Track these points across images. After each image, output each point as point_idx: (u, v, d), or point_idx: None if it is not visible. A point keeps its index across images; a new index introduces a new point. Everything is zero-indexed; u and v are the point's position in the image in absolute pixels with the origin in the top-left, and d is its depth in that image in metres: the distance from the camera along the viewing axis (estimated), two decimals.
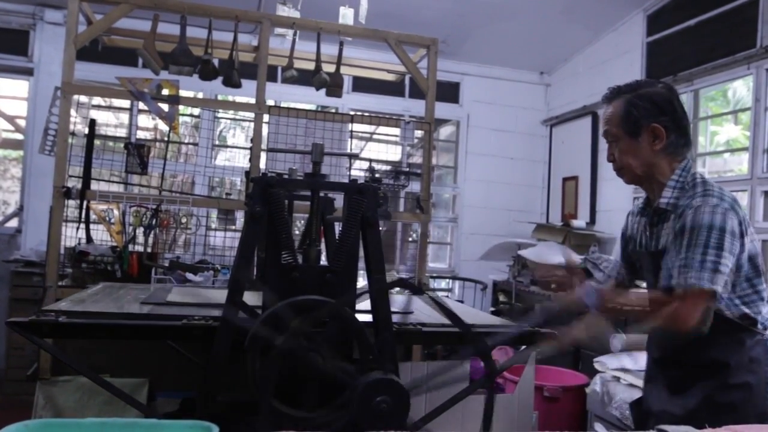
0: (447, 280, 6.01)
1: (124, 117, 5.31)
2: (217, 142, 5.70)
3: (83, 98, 4.03)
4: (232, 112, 5.34)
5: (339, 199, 2.00)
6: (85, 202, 3.16)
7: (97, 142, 3.52)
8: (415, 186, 3.77)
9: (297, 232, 3.36)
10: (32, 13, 4.88)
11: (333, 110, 5.14)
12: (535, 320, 1.99)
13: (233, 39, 3.33)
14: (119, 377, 2.45)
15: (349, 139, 3.64)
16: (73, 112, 3.32)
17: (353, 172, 3.65)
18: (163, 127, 4.50)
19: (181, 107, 3.34)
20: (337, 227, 2.00)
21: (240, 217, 3.75)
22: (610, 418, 3.27)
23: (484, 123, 5.95)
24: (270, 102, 4.38)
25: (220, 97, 4.84)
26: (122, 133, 5.21)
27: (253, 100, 3.32)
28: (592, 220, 5.26)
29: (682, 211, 1.68)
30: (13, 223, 5.01)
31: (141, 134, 5.23)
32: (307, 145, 3.22)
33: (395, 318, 1.78)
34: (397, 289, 2.91)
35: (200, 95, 4.83)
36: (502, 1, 4.78)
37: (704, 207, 1.63)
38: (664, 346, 1.81)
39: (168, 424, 0.94)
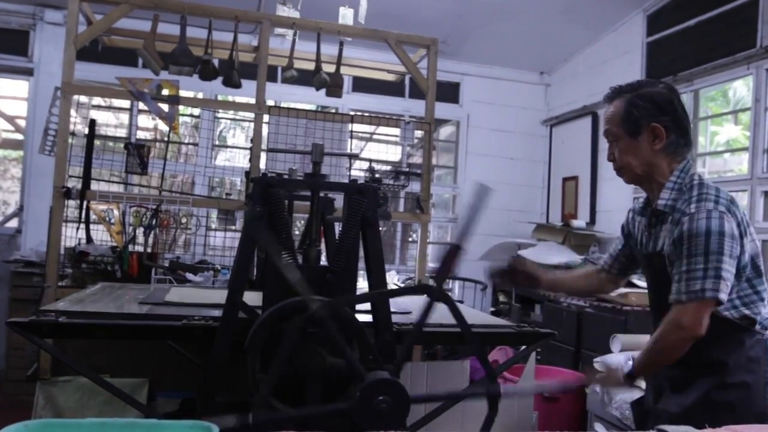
0: (447, 280, 6.00)
1: (124, 117, 5.31)
2: (217, 143, 5.70)
3: (83, 98, 4.03)
4: (232, 112, 5.34)
5: (339, 199, 2.00)
6: (85, 203, 3.16)
7: (97, 142, 3.52)
8: (415, 186, 3.77)
9: (297, 232, 3.36)
10: (32, 13, 4.88)
11: (333, 110, 5.13)
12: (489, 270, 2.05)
13: (233, 39, 3.33)
14: (119, 377, 2.46)
15: (349, 140, 3.65)
16: (73, 112, 3.32)
17: (353, 173, 3.66)
18: (163, 127, 4.50)
19: (181, 107, 3.34)
20: (337, 227, 2.00)
21: (240, 217, 3.75)
22: (610, 418, 3.26)
23: (484, 123, 5.94)
24: (270, 102, 4.38)
25: (220, 97, 4.84)
26: (122, 133, 5.21)
27: (253, 101, 3.32)
28: (592, 220, 5.26)
29: (679, 217, 1.67)
30: (13, 223, 5.01)
31: (141, 134, 5.23)
32: (307, 145, 3.21)
33: (395, 318, 1.77)
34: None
35: (200, 95, 4.82)
36: (502, 1, 4.78)
37: (699, 213, 1.62)
38: None
39: (168, 424, 0.94)
